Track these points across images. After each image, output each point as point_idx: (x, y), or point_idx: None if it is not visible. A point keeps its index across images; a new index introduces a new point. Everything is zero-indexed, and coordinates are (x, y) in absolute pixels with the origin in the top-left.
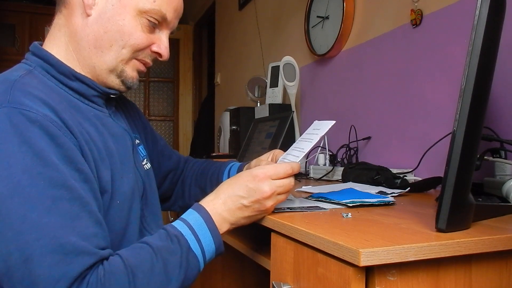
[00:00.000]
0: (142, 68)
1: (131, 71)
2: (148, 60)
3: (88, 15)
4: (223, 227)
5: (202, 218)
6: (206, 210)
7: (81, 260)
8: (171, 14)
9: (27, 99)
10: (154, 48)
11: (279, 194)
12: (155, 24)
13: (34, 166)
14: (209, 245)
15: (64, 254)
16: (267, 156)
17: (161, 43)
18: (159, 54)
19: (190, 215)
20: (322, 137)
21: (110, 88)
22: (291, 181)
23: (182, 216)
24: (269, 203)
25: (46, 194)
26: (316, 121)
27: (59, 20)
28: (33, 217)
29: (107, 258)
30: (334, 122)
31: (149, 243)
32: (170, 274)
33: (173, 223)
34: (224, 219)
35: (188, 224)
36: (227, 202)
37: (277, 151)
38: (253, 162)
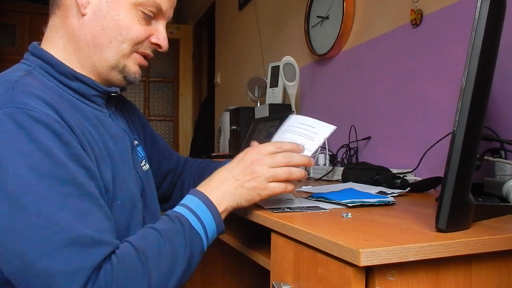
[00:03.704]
0: (144, 62)
1: (133, 66)
2: (149, 52)
3: (84, 15)
4: (222, 205)
5: (198, 199)
6: (201, 192)
7: (98, 250)
8: (166, 4)
9: (29, 99)
10: (153, 39)
11: (275, 167)
12: (151, 15)
13: (43, 164)
14: (210, 223)
15: (81, 246)
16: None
17: (159, 34)
18: (158, 45)
19: (187, 199)
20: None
21: (112, 84)
22: (284, 156)
23: (180, 202)
24: (264, 169)
25: (57, 192)
26: (300, 116)
27: (54, 22)
28: (47, 213)
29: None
30: (334, 127)
31: (154, 227)
32: (177, 253)
33: (172, 209)
34: (223, 196)
35: (186, 206)
36: (224, 182)
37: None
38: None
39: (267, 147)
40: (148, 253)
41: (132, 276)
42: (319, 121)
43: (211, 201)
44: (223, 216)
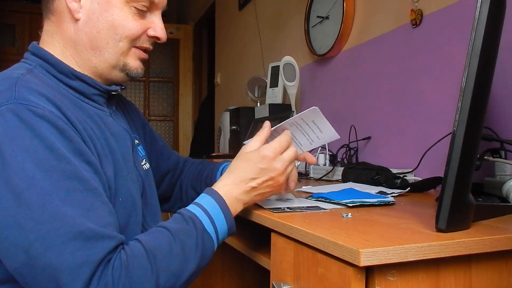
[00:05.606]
0: (143, 55)
1: (133, 62)
2: (147, 45)
3: (77, 19)
4: (237, 208)
5: (214, 200)
6: (218, 193)
7: (102, 244)
8: None
9: (32, 95)
10: (150, 32)
11: (288, 166)
12: (144, 9)
13: (47, 159)
14: (222, 226)
15: (85, 240)
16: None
17: (156, 26)
18: (157, 37)
19: (203, 198)
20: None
21: (114, 82)
22: (294, 149)
23: (195, 201)
24: (282, 178)
25: (61, 186)
26: (318, 111)
27: (49, 27)
28: (52, 207)
29: (127, 244)
30: (338, 136)
31: (166, 226)
32: (187, 255)
33: (186, 207)
34: (238, 201)
35: (201, 207)
36: (240, 186)
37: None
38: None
39: (282, 144)
40: (158, 253)
41: (140, 275)
42: (329, 126)
43: (226, 203)
44: (234, 215)
